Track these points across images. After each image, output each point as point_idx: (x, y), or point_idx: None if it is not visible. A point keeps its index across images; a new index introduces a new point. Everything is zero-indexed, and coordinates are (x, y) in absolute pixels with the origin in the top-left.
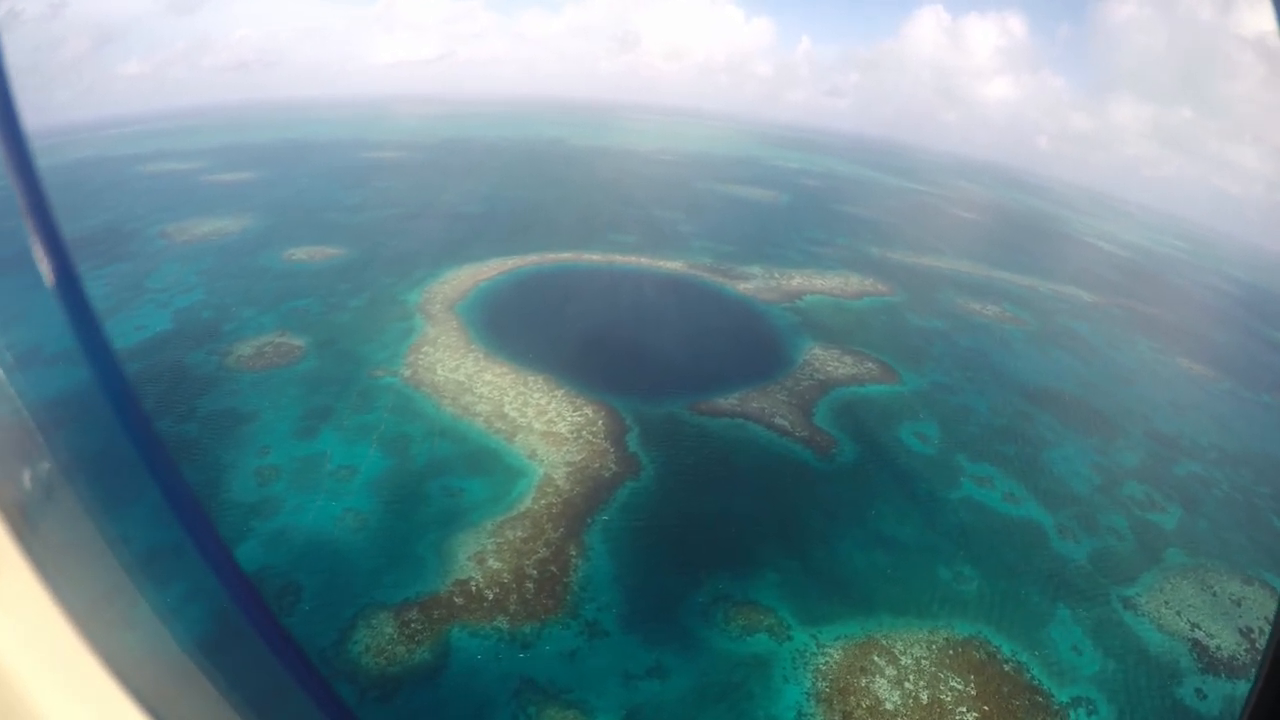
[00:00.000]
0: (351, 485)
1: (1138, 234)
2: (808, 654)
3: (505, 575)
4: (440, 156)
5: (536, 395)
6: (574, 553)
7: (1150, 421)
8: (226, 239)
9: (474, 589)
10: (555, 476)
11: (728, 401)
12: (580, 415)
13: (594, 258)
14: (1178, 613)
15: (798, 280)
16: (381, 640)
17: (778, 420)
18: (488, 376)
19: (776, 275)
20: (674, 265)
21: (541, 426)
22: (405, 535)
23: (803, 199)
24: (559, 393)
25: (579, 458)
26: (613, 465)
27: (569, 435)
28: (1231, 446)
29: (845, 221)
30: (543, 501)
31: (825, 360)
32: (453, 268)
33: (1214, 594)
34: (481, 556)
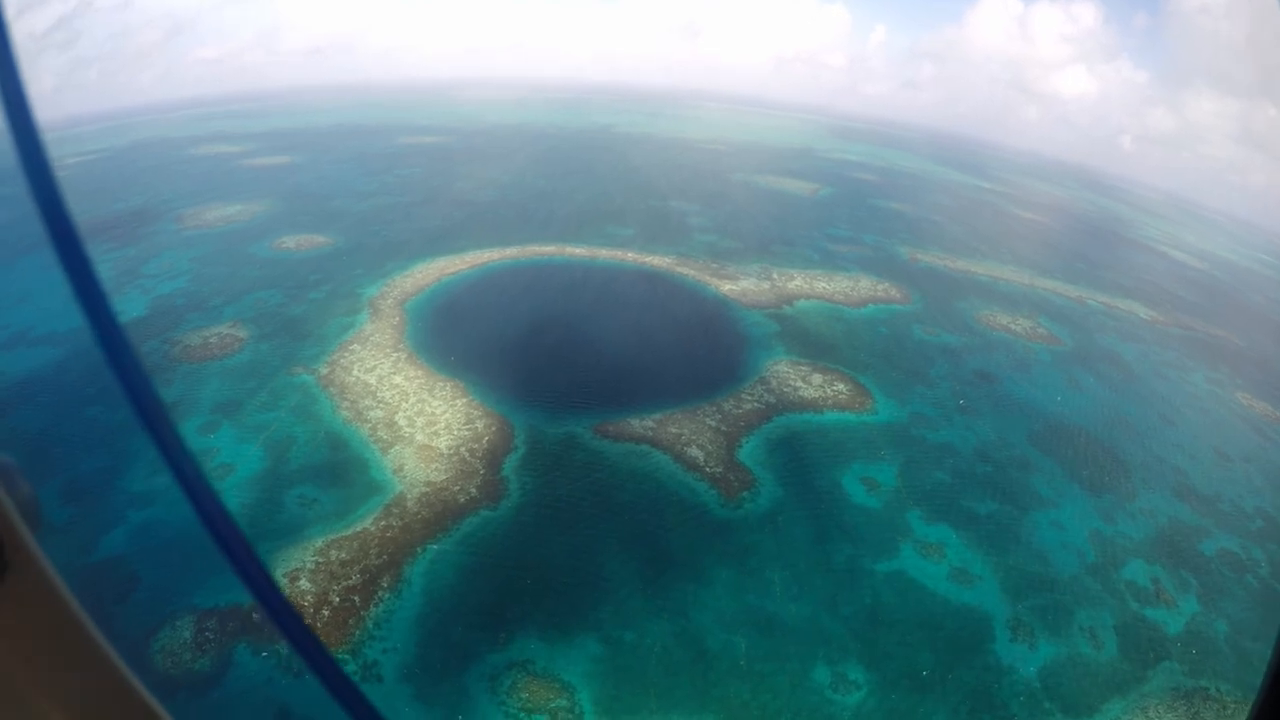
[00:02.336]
0: (223, 484)
1: (1218, 244)
2: None
3: (308, 598)
4: (478, 142)
5: (436, 403)
6: (386, 584)
7: (1185, 476)
8: (232, 225)
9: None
10: (409, 496)
11: (642, 423)
12: (469, 429)
13: (577, 251)
14: None
15: (797, 282)
16: (176, 643)
17: (690, 451)
18: (398, 380)
19: (775, 275)
20: (661, 261)
21: (423, 439)
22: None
23: (845, 192)
24: (461, 402)
25: (443, 478)
26: (474, 490)
27: (446, 451)
28: None
29: (882, 218)
30: (383, 523)
31: (787, 378)
32: (427, 260)
33: None
34: (296, 574)
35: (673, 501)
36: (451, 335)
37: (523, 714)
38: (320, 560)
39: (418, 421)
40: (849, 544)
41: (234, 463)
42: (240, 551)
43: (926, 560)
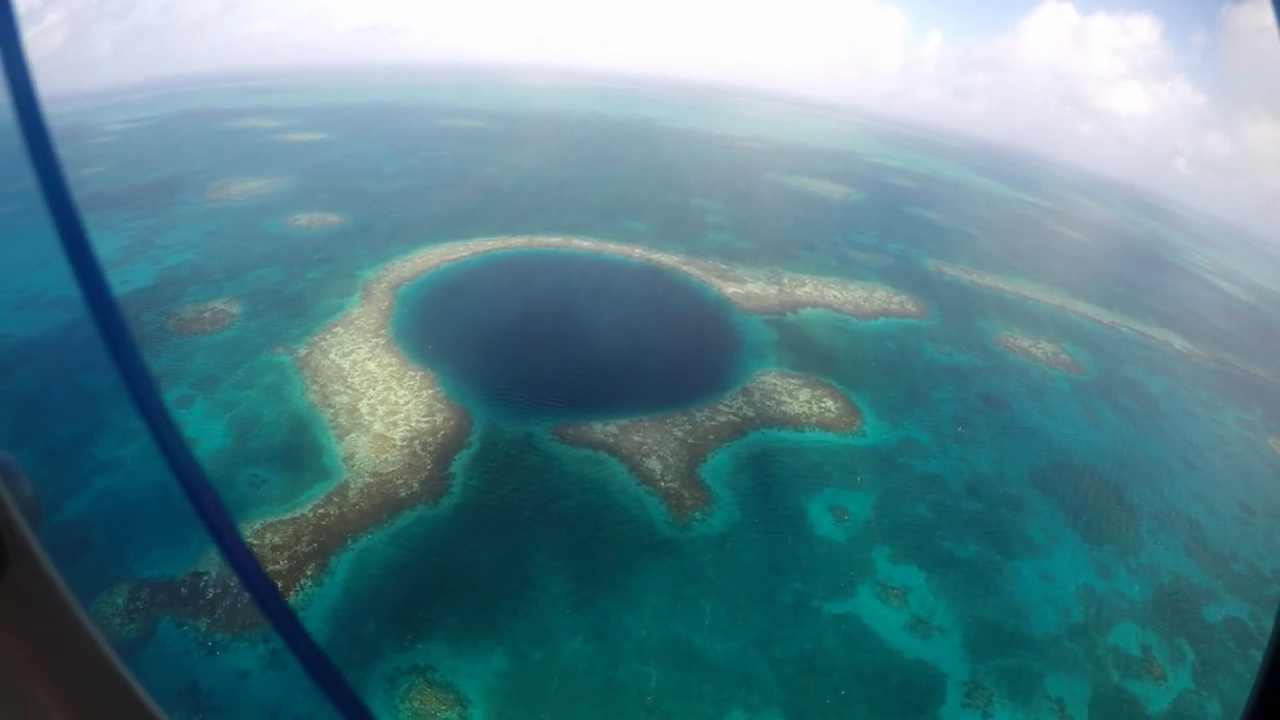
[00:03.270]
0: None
1: (1268, 276)
2: None
3: (235, 579)
4: (515, 127)
5: (402, 393)
6: (310, 573)
7: (1199, 529)
8: (251, 200)
9: (201, 584)
10: (352, 486)
11: (605, 428)
12: (427, 422)
13: (584, 245)
14: None
15: (807, 288)
16: (110, 610)
17: (648, 462)
18: (371, 366)
19: (785, 280)
20: (668, 259)
21: (380, 429)
22: (192, 516)
23: (879, 198)
24: (427, 393)
25: (391, 470)
26: (416, 485)
27: (399, 443)
28: None
29: (914, 227)
30: (321, 511)
31: (773, 391)
32: (431, 245)
33: None
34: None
35: (618, 515)
36: (435, 324)
37: None
38: (254, 543)
39: (379, 410)
40: (800, 579)
41: (198, 438)
42: (230, 539)
43: (885, 605)
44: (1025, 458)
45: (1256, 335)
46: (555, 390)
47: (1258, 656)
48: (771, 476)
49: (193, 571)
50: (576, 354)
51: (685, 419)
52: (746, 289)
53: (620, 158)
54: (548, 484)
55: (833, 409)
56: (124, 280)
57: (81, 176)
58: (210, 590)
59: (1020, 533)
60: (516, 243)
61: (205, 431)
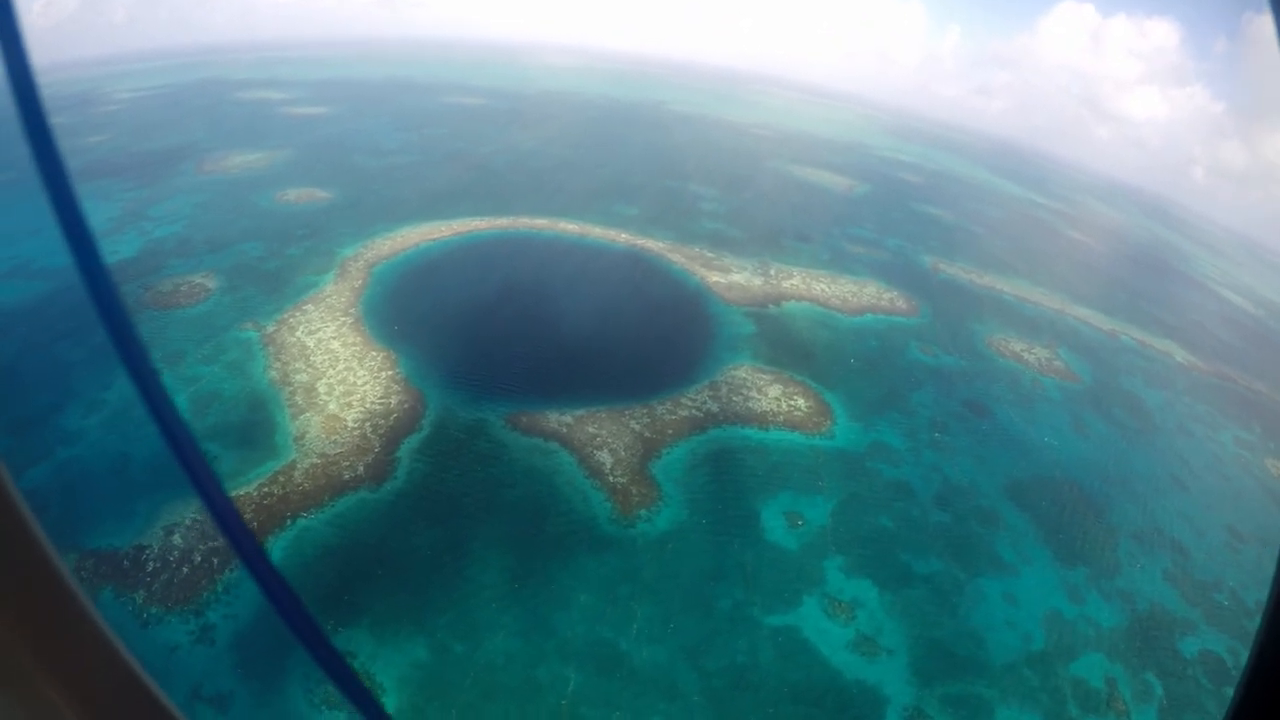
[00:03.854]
0: (147, 431)
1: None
2: None
3: (175, 553)
4: (521, 106)
5: (361, 373)
6: None
7: (1184, 554)
8: (245, 173)
9: (144, 557)
10: (299, 466)
11: (561, 418)
12: (382, 404)
13: (570, 227)
14: None
15: (794, 280)
16: None
17: (599, 455)
18: (335, 345)
19: (772, 271)
20: (654, 245)
21: (335, 409)
22: (143, 489)
23: (884, 192)
24: (386, 374)
25: (338, 451)
26: (361, 469)
27: (352, 425)
28: None
29: (916, 223)
30: (266, 489)
31: (741, 386)
32: (415, 223)
33: None
34: (173, 529)
35: (560, 508)
36: (404, 304)
37: (324, 707)
38: (197, 518)
39: (336, 390)
40: (742, 587)
41: None
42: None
43: (831, 620)
44: (1004, 468)
45: (1261, 350)
46: (515, 376)
47: (1230, 694)
48: (727, 476)
49: (136, 544)
50: (543, 339)
51: (645, 411)
52: (730, 278)
53: (623, 140)
54: (493, 472)
55: (803, 407)
56: (110, 251)
57: (85, 144)
58: (150, 564)
59: (988, 549)
60: (502, 223)
61: None
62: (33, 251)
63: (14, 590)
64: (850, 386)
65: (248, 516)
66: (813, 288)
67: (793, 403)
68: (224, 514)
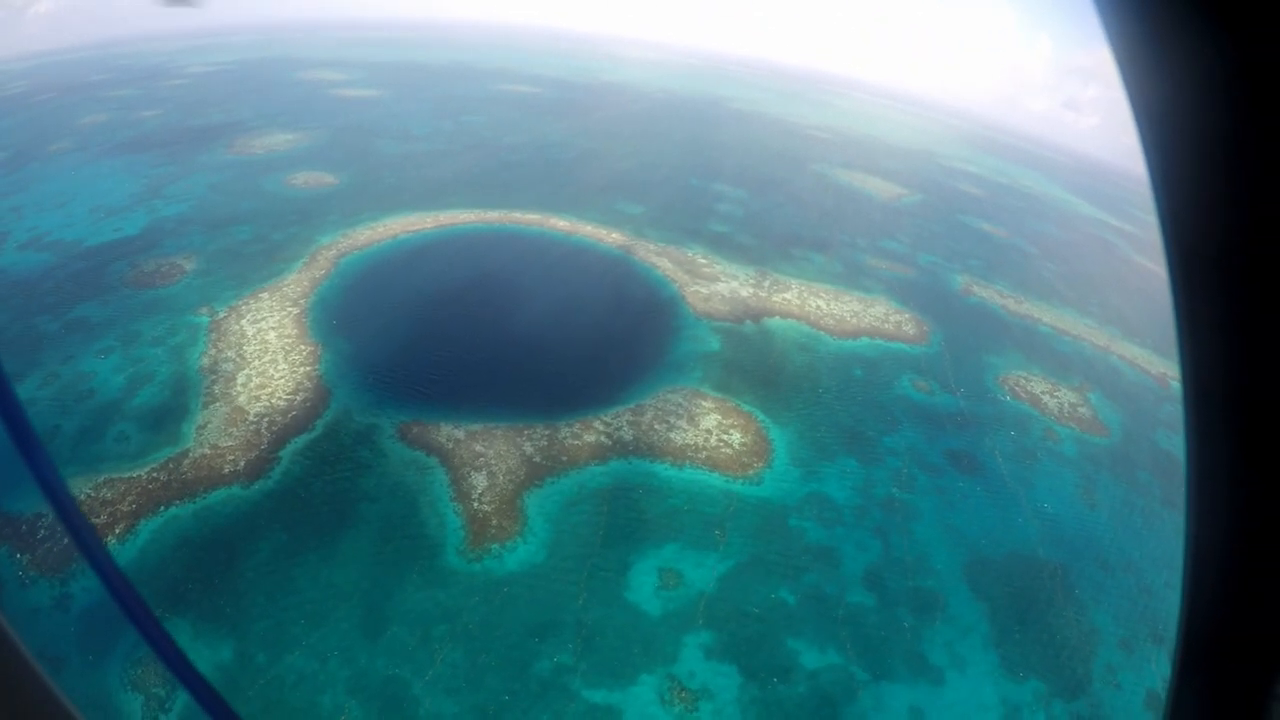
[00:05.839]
0: (82, 406)
1: None
2: None
3: (45, 530)
4: (571, 96)
5: (282, 367)
6: (118, 532)
7: None
8: (267, 155)
9: (39, 524)
10: (190, 455)
11: (454, 431)
12: (287, 400)
13: (559, 224)
14: None
15: (788, 294)
16: None
17: (475, 477)
18: (271, 336)
19: (767, 283)
20: (642, 247)
21: (243, 402)
22: (64, 461)
23: (934, 203)
24: (305, 370)
25: (229, 444)
26: (242, 464)
27: (252, 419)
28: None
29: (960, 238)
30: (154, 475)
31: (672, 412)
32: (404, 213)
33: None
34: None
35: (410, 531)
36: (354, 298)
37: (130, 693)
38: (88, 495)
39: (253, 382)
40: (573, 652)
41: (95, 389)
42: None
43: (664, 708)
44: (971, 541)
45: None
46: (428, 381)
47: None
48: (610, 517)
49: (37, 511)
50: (475, 344)
51: (547, 432)
52: (713, 289)
53: (661, 134)
54: (362, 484)
55: (735, 444)
56: (115, 228)
57: (138, 118)
58: (41, 531)
59: (911, 646)
60: (490, 217)
61: (105, 384)
62: (51, 224)
63: None
64: (807, 423)
65: (130, 499)
66: (806, 304)
67: (725, 437)
68: (60, 498)
